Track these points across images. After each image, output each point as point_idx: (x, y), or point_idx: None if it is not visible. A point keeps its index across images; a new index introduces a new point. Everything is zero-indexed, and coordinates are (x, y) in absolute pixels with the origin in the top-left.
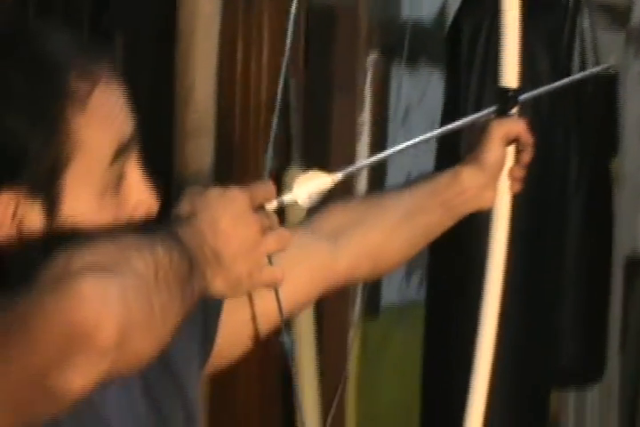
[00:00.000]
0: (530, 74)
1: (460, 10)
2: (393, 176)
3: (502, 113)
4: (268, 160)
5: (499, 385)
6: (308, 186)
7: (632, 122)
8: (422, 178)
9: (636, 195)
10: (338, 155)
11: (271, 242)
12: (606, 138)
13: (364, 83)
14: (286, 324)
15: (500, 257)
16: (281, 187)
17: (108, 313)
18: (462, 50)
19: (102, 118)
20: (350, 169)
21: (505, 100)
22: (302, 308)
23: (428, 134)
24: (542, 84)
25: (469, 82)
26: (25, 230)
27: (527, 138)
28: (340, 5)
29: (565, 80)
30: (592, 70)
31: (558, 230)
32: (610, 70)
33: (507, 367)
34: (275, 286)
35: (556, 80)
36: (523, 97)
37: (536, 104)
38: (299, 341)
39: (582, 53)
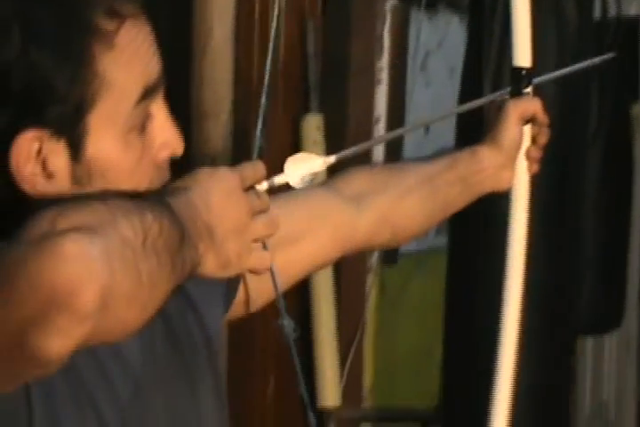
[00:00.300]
0: (558, 23)
1: None
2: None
3: (517, 93)
4: (258, 139)
5: (525, 330)
6: (300, 167)
7: None
8: (443, 154)
9: None
10: (356, 101)
11: (260, 226)
12: (627, 83)
13: (383, 28)
14: (286, 308)
15: (520, 236)
16: (300, 135)
17: (90, 275)
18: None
19: (129, 57)
20: (344, 152)
21: (519, 80)
22: (320, 267)
23: (440, 115)
24: (571, 24)
25: (493, 28)
26: (49, 169)
27: (543, 118)
28: None
29: (576, 66)
30: (593, 61)
31: (578, 178)
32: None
33: (533, 313)
34: (261, 272)
35: (580, 18)
36: (537, 80)
37: (563, 55)
38: (317, 287)
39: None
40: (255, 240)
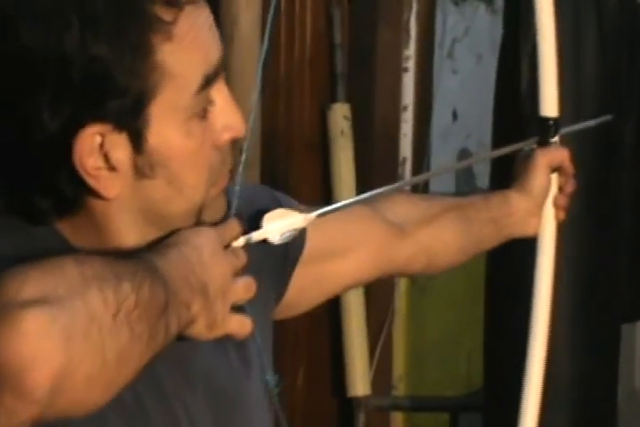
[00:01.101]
0: (597, 7)
1: None
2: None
3: (544, 142)
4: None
5: (566, 318)
6: (279, 223)
7: None
8: (476, 194)
9: None
10: (383, 90)
11: (240, 287)
12: None
13: (410, 16)
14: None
15: (547, 290)
16: (327, 124)
17: (44, 356)
18: None
19: (188, 46)
20: (325, 209)
21: (546, 130)
22: (357, 285)
23: (452, 165)
24: (611, 9)
25: (528, 18)
26: (112, 162)
27: (569, 167)
28: None
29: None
30: (582, 125)
31: (615, 159)
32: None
33: (569, 299)
34: (241, 337)
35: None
36: (564, 130)
37: (602, 40)
38: None
39: None
40: (234, 302)
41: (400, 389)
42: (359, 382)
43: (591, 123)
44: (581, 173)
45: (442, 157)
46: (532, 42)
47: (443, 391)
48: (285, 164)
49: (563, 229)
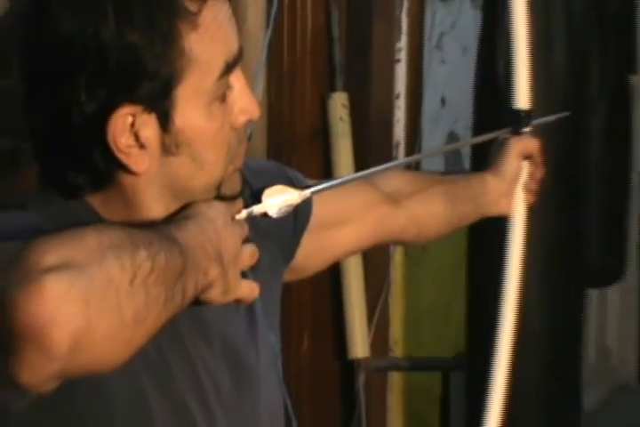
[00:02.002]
0: (565, 3)
1: None
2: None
3: (516, 132)
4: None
5: (537, 283)
6: (277, 199)
7: None
8: (459, 173)
9: None
10: (378, 79)
11: (247, 255)
12: (627, 58)
13: (401, 12)
14: None
15: (517, 263)
16: (327, 112)
17: (64, 317)
18: None
19: (212, 35)
20: (320, 187)
21: (519, 121)
22: (357, 251)
23: (438, 149)
24: (577, 6)
25: (506, 13)
26: (142, 140)
27: (539, 156)
28: None
29: (563, 114)
30: (550, 118)
31: (584, 140)
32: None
33: (541, 266)
34: (249, 301)
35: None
36: (535, 122)
37: (570, 34)
38: None
39: None
40: (243, 269)
41: (396, 351)
42: (359, 346)
43: (552, 117)
44: (553, 156)
45: (432, 140)
46: (506, 39)
47: (434, 353)
48: (290, 147)
49: (537, 207)
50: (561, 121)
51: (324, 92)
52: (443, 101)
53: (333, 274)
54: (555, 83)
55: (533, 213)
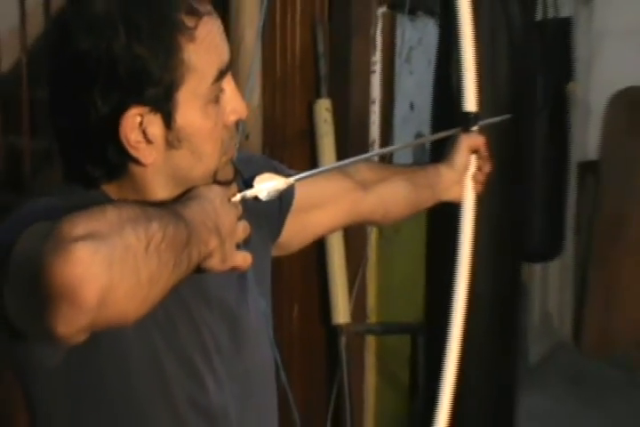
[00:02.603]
0: (507, 21)
1: None
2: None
3: (466, 130)
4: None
5: (484, 258)
6: (266, 185)
7: (582, 55)
8: (419, 164)
9: (585, 112)
10: (356, 87)
11: (241, 230)
12: (564, 68)
13: (376, 30)
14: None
15: (468, 241)
16: (313, 115)
17: (91, 277)
18: (453, 3)
19: (207, 47)
20: (301, 175)
21: (468, 121)
22: (334, 230)
23: (393, 147)
24: (517, 23)
25: (457, 29)
26: (149, 136)
27: (485, 151)
28: None
29: (505, 116)
30: (494, 119)
31: (531, 138)
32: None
33: (490, 244)
34: (243, 269)
35: (525, 18)
36: (481, 123)
37: (511, 46)
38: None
39: (544, 3)
40: (237, 242)
41: (372, 317)
42: (341, 313)
43: (497, 119)
44: (504, 152)
45: (402, 139)
46: (457, 54)
47: (404, 319)
48: (281, 145)
49: (488, 194)
50: (510, 123)
51: (311, 99)
52: (411, 106)
53: (319, 252)
54: (501, 91)
55: (484, 199)
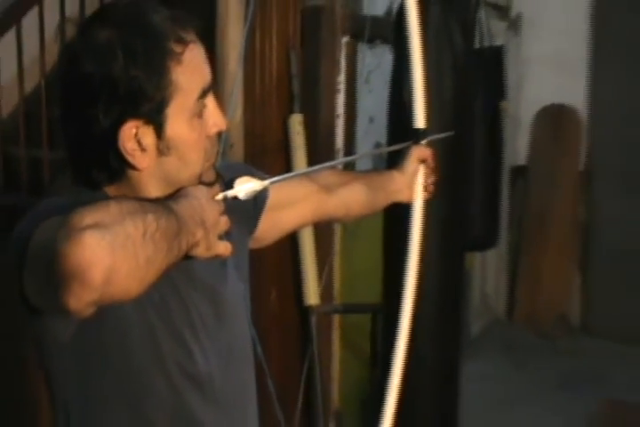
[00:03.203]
0: (449, 44)
1: (401, 6)
2: (361, 120)
3: (416, 143)
4: (224, 139)
5: (433, 248)
6: (244, 186)
7: (512, 78)
8: (376, 170)
9: (516, 125)
10: (324, 104)
11: (223, 223)
12: (498, 88)
13: (340, 55)
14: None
15: (417, 236)
16: (287, 128)
17: (99, 259)
18: (404, 33)
19: (192, 69)
20: (275, 179)
21: (417, 135)
22: (302, 226)
23: (354, 156)
24: (460, 49)
25: (407, 56)
26: (143, 145)
27: (431, 162)
28: (324, 6)
29: (449, 133)
30: (440, 135)
31: (471, 147)
32: None
33: (437, 236)
34: (225, 256)
35: (466, 46)
36: (428, 137)
37: (454, 69)
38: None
39: (481, 34)
40: (219, 233)
41: (338, 299)
42: (312, 296)
43: (442, 135)
44: (450, 159)
45: (363, 148)
46: (408, 78)
47: (365, 300)
48: (261, 154)
49: (436, 195)
50: (454, 135)
51: (286, 114)
52: (371, 120)
53: (293, 244)
54: (446, 107)
55: (434, 199)
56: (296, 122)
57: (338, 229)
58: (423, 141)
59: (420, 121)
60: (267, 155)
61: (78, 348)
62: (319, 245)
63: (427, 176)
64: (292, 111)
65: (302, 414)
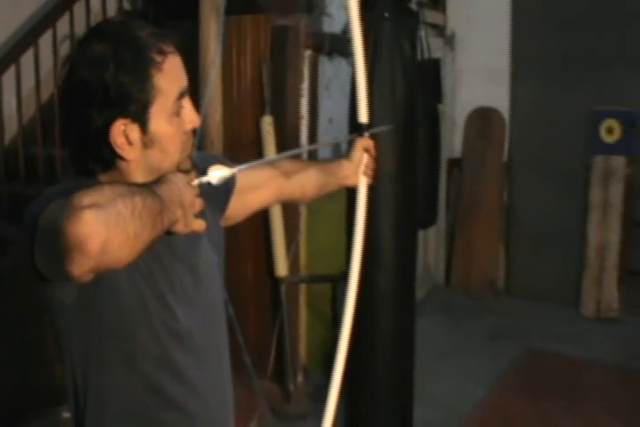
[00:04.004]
0: (400, 55)
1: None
2: (322, 121)
3: (361, 135)
4: (198, 134)
5: (388, 227)
6: (216, 173)
7: (448, 85)
8: (328, 160)
9: (451, 124)
10: (290, 108)
11: (197, 204)
12: (436, 93)
13: (304, 66)
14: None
15: (362, 215)
16: (260, 128)
17: (95, 232)
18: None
19: (171, 75)
20: (242, 166)
21: (361, 129)
22: (265, 207)
23: (313, 145)
24: (409, 59)
25: (366, 64)
26: (130, 140)
27: (373, 152)
28: (290, 26)
29: (388, 126)
30: (380, 128)
31: (414, 143)
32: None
33: (392, 216)
34: (201, 232)
35: (414, 61)
36: (371, 130)
37: (405, 77)
38: (272, 211)
39: (422, 48)
40: (195, 213)
41: (304, 271)
42: (281, 268)
43: (384, 128)
44: (398, 151)
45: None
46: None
47: (328, 272)
48: (238, 150)
49: (389, 181)
50: (405, 131)
51: (258, 116)
52: (330, 121)
53: (265, 224)
54: (398, 107)
55: (388, 186)
56: (267, 122)
57: (303, 211)
58: (366, 134)
59: (363, 116)
60: (242, 150)
61: (81, 310)
62: (288, 225)
63: (369, 163)
64: (263, 113)
65: (274, 368)
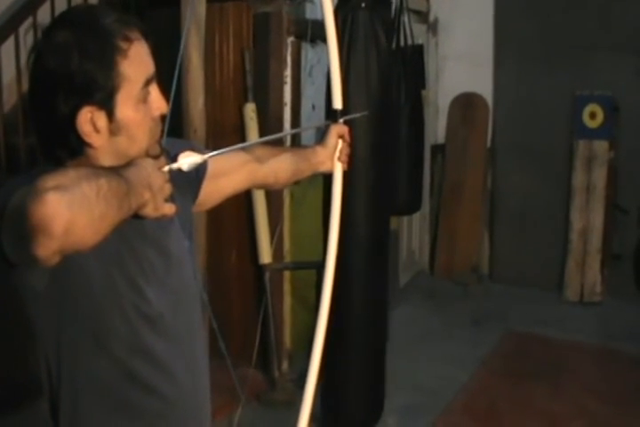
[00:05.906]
0: (375, 43)
1: (335, 10)
2: (304, 107)
3: (335, 121)
4: (167, 121)
5: (364, 212)
6: (187, 160)
7: (431, 71)
8: (303, 146)
9: (435, 110)
10: (273, 94)
11: (167, 188)
12: (419, 79)
13: (287, 53)
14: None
15: (338, 200)
16: (243, 115)
17: (59, 214)
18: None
19: (137, 62)
20: (216, 152)
21: (335, 115)
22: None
23: (285, 133)
24: (384, 47)
25: (342, 53)
26: (97, 127)
27: (347, 138)
28: (272, 12)
29: (363, 113)
30: (354, 115)
31: (396, 128)
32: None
33: (369, 202)
34: (170, 216)
35: (389, 49)
36: (345, 117)
37: (380, 64)
38: (256, 198)
39: (404, 34)
40: (165, 197)
41: (287, 258)
42: (265, 255)
43: (358, 114)
44: (376, 137)
45: (306, 131)
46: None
47: (310, 258)
48: (220, 136)
49: (368, 166)
50: (381, 118)
51: (241, 103)
52: (313, 107)
53: (249, 212)
54: (372, 93)
55: (365, 171)
56: (250, 109)
57: (287, 198)
58: (341, 120)
59: (338, 103)
60: (225, 137)
61: (52, 295)
62: (271, 212)
63: (344, 149)
64: (246, 100)
65: (259, 355)
